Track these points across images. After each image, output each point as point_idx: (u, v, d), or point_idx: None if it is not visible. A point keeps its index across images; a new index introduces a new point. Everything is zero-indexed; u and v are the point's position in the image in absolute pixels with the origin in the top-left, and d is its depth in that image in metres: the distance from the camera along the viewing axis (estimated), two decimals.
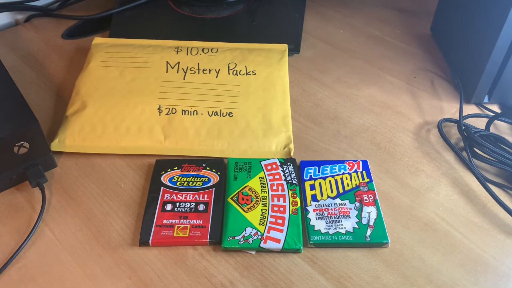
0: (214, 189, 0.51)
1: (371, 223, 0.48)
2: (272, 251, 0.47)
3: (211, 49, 0.66)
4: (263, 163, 0.54)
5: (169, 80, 0.61)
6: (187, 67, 0.63)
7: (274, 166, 0.53)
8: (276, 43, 0.69)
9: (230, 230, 0.47)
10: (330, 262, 0.47)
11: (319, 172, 0.53)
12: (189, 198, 0.50)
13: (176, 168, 0.53)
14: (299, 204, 0.50)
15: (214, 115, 0.58)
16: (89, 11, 0.81)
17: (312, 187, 0.52)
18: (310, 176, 0.53)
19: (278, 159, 0.54)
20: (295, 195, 0.50)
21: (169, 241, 0.47)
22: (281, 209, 0.49)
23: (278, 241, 0.47)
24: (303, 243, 0.47)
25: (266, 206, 0.49)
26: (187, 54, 0.65)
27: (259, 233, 0.47)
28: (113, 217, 0.50)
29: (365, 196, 0.51)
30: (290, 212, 0.49)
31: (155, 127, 0.57)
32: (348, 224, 0.48)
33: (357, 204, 0.50)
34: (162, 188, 0.51)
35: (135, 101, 0.59)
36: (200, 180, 0.52)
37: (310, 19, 0.79)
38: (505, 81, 0.60)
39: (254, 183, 0.52)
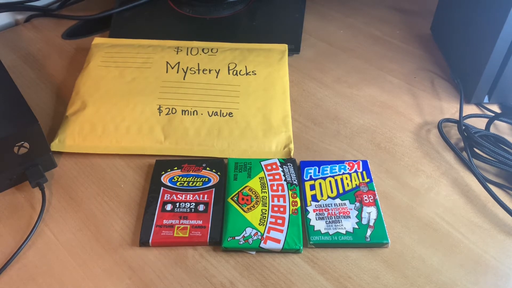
0: (214, 189, 0.51)
1: (371, 223, 0.48)
2: (272, 251, 0.47)
3: (211, 49, 0.66)
4: (263, 163, 0.54)
5: (169, 80, 0.62)
6: (187, 67, 0.63)
7: (274, 166, 0.53)
8: (276, 43, 0.69)
9: (230, 230, 0.47)
10: (330, 262, 0.47)
11: (319, 172, 0.53)
12: (189, 198, 0.50)
13: (176, 168, 0.53)
14: (299, 204, 0.50)
15: (214, 115, 0.58)
16: (89, 11, 0.81)
17: (312, 187, 0.52)
18: (310, 176, 0.53)
19: (278, 159, 0.54)
20: (295, 195, 0.50)
21: (169, 241, 0.47)
22: (281, 209, 0.49)
23: (278, 241, 0.47)
24: (303, 243, 0.47)
25: (266, 206, 0.49)
26: (187, 54, 0.65)
27: (259, 233, 0.47)
28: (113, 217, 0.50)
29: (365, 196, 0.51)
30: (290, 212, 0.49)
31: (155, 127, 0.57)
32: (348, 224, 0.48)
33: (357, 204, 0.50)
34: (162, 188, 0.51)
35: (135, 101, 0.59)
36: (200, 180, 0.52)
37: (310, 19, 0.79)
38: (505, 81, 0.60)
39: (254, 183, 0.52)
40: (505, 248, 0.48)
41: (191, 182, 0.52)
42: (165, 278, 0.45)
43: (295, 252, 0.47)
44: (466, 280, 0.45)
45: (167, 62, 0.64)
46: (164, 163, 0.54)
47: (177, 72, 0.63)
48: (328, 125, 0.61)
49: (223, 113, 0.58)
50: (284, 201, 0.50)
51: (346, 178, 0.52)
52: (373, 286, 0.45)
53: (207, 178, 0.52)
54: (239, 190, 0.51)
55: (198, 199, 0.50)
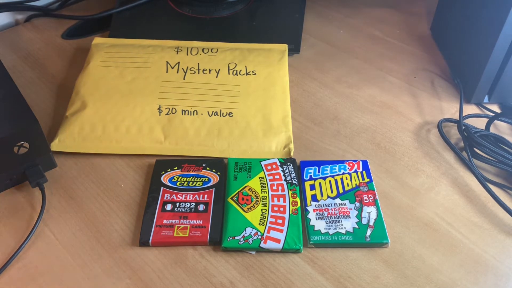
0: (214, 189, 0.51)
1: (371, 223, 0.48)
2: (272, 251, 0.47)
3: (211, 49, 0.66)
4: (263, 163, 0.54)
5: (169, 80, 0.62)
6: (187, 67, 0.63)
7: (274, 166, 0.53)
8: (276, 43, 0.69)
9: (230, 230, 0.47)
10: (330, 262, 0.47)
11: (319, 172, 0.53)
12: (189, 198, 0.50)
13: (176, 168, 0.53)
14: (299, 204, 0.50)
15: (214, 115, 0.58)
16: (89, 11, 0.81)
17: (312, 187, 0.52)
18: (310, 176, 0.53)
19: (278, 159, 0.54)
20: (295, 195, 0.50)
21: (169, 241, 0.47)
22: (281, 209, 0.49)
23: (278, 241, 0.47)
24: (303, 243, 0.47)
25: (266, 206, 0.49)
26: (187, 54, 0.65)
27: (259, 233, 0.47)
28: (113, 217, 0.50)
29: (365, 196, 0.51)
30: (290, 212, 0.49)
31: (155, 127, 0.57)
32: (348, 224, 0.48)
33: (357, 204, 0.50)
34: (162, 188, 0.51)
35: (135, 101, 0.59)
36: (200, 180, 0.52)
37: (310, 19, 0.79)
38: (505, 81, 0.60)
39: (254, 183, 0.52)
40: (505, 248, 0.48)
41: (191, 182, 0.52)
42: (165, 278, 0.45)
43: (295, 252, 0.47)
44: (466, 280, 0.45)
45: (167, 62, 0.64)
46: (164, 163, 0.54)
47: (177, 72, 0.63)
48: (328, 125, 0.61)
49: (223, 113, 0.58)
50: (284, 201, 0.50)
51: (346, 178, 0.52)
52: (373, 286, 0.45)
53: (207, 178, 0.52)
54: (239, 190, 0.51)
55: (198, 199, 0.50)
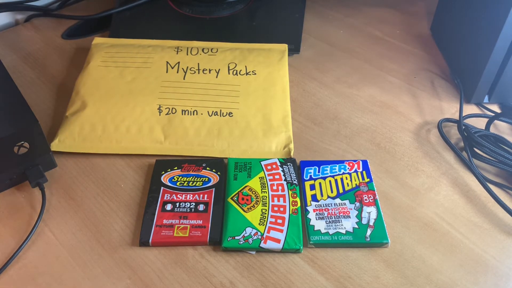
0: (214, 189, 0.51)
1: (371, 223, 0.48)
2: (272, 251, 0.47)
3: (211, 49, 0.66)
4: (263, 163, 0.54)
5: (169, 80, 0.62)
6: (187, 67, 0.63)
7: (274, 166, 0.53)
8: (276, 43, 0.69)
9: (230, 230, 0.47)
10: (330, 262, 0.47)
11: (319, 172, 0.53)
12: (189, 198, 0.50)
13: (176, 168, 0.54)
14: (299, 204, 0.50)
15: (214, 115, 0.58)
16: (89, 11, 0.81)
17: (312, 187, 0.52)
18: (310, 176, 0.53)
19: (278, 159, 0.54)
20: (295, 195, 0.50)
21: (169, 241, 0.47)
22: (281, 209, 0.49)
23: (278, 241, 0.47)
24: (303, 243, 0.47)
25: (266, 206, 0.49)
26: (187, 54, 0.65)
27: (259, 233, 0.47)
28: (113, 217, 0.50)
29: (365, 196, 0.51)
30: (290, 212, 0.49)
31: (155, 127, 0.57)
32: (348, 224, 0.48)
33: (357, 204, 0.50)
34: (162, 188, 0.51)
35: (135, 101, 0.59)
36: (200, 180, 0.52)
37: (310, 19, 0.79)
38: (505, 81, 0.60)
39: (254, 183, 0.52)
40: (505, 248, 0.48)
41: (191, 182, 0.52)
42: (165, 278, 0.45)
43: (295, 252, 0.47)
44: (466, 280, 0.45)
45: (167, 62, 0.64)
46: (164, 163, 0.54)
47: (177, 72, 0.63)
48: (328, 125, 0.61)
49: (223, 113, 0.58)
50: (284, 201, 0.50)
51: (346, 178, 0.52)
52: (373, 286, 0.45)
53: (207, 178, 0.52)
54: (239, 190, 0.51)
55: (198, 199, 0.50)
